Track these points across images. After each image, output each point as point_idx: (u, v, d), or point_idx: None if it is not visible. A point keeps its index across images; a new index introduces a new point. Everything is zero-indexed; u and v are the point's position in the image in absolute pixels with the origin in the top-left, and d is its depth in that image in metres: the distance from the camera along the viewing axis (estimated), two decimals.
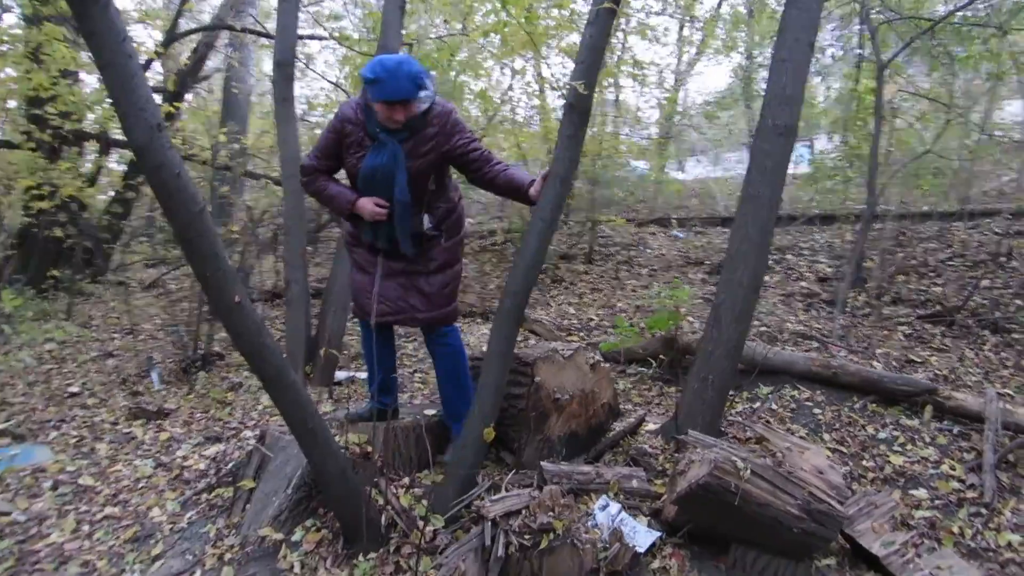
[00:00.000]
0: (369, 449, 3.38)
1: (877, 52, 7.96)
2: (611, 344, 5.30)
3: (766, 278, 7.69)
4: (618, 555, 2.89)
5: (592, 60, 3.05)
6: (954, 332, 6.06)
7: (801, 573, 3.08)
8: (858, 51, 9.66)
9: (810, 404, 4.74)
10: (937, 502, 3.83)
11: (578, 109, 3.05)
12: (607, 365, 3.95)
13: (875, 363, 5.46)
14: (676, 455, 3.96)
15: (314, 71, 10.94)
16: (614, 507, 3.29)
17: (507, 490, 3.16)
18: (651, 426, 4.34)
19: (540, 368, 3.63)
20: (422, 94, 3.07)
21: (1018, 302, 6.19)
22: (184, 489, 3.69)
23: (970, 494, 3.86)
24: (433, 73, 3.46)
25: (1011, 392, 5.05)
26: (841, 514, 2.95)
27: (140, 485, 3.84)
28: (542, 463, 3.46)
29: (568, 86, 2.99)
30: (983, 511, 3.74)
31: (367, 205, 3.27)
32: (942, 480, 3.97)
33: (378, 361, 3.54)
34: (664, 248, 9.82)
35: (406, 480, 3.44)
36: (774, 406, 4.75)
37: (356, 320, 3.83)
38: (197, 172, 8.56)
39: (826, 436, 4.41)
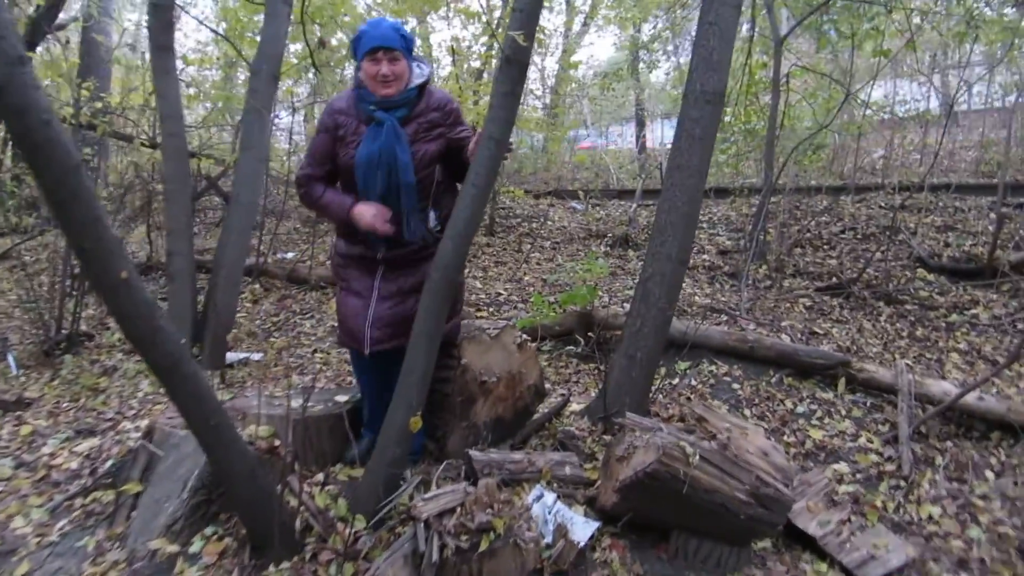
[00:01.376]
0: (277, 443, 2.99)
1: (774, 27, 8.06)
2: (525, 320, 5.06)
3: None
4: (563, 552, 2.67)
5: (532, 8, 2.74)
6: (851, 304, 6.23)
7: (742, 558, 2.97)
8: (748, 26, 9.79)
9: (728, 379, 4.70)
10: (859, 476, 3.85)
11: (516, 62, 2.73)
12: (533, 344, 3.70)
13: (783, 336, 5.51)
14: (604, 437, 3.79)
15: (197, 19, 9.99)
16: (549, 497, 3.06)
17: (439, 486, 2.87)
18: (574, 406, 4.15)
19: (466, 349, 3.34)
20: (415, 64, 2.92)
21: (908, 274, 6.43)
22: (53, 493, 3.17)
23: (889, 467, 3.90)
24: (426, 61, 3.14)
25: (909, 362, 5.21)
26: (789, 498, 2.85)
27: None
28: (470, 452, 3.18)
29: (507, 36, 2.67)
30: (902, 483, 3.79)
31: (366, 213, 2.97)
32: (861, 453, 4.01)
33: (377, 393, 3.16)
34: (565, 220, 9.69)
35: (320, 477, 3.08)
36: (693, 382, 4.67)
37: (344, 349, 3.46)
38: None
39: (747, 412, 4.38)
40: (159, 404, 4.14)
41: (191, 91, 8.89)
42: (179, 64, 9.28)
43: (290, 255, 7.61)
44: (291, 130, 6.91)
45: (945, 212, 7.40)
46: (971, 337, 5.55)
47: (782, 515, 2.87)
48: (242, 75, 11.19)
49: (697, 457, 2.76)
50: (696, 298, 6.33)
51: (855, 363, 4.56)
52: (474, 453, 3.18)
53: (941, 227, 7.16)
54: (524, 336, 3.63)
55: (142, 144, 7.00)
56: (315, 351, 5.19)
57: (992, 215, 7.44)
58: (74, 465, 3.43)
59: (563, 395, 4.12)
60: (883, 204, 7.93)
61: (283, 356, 5.08)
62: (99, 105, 7.24)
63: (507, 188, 9.10)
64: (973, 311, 5.91)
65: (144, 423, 3.86)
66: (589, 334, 5.24)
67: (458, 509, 2.62)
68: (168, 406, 3.32)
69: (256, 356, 4.96)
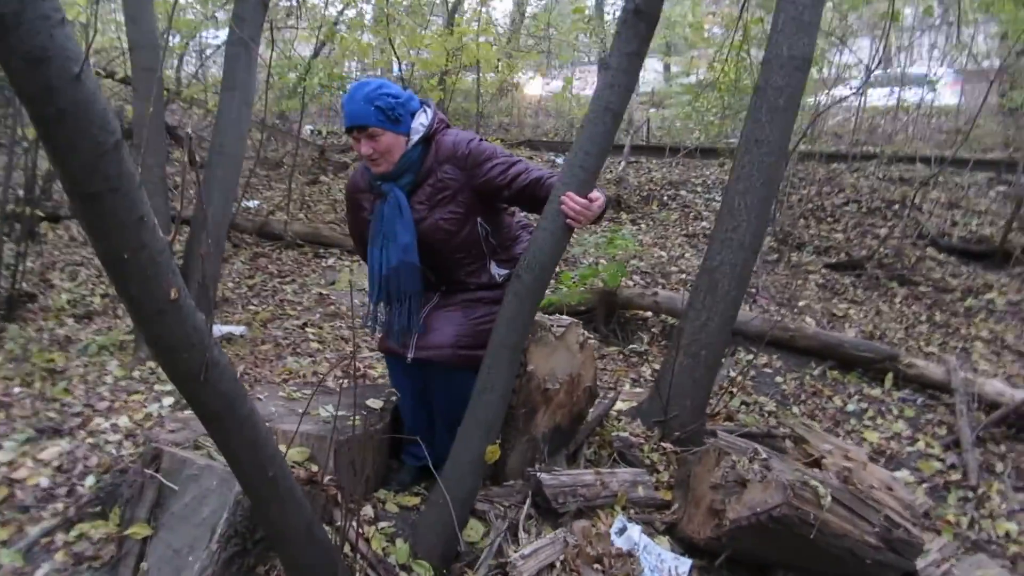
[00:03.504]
0: (315, 469, 2.46)
1: None
2: (551, 299, 4.57)
3: (663, 216, 7.28)
4: None
5: None
6: (864, 283, 5.98)
7: None
8: None
9: (769, 371, 4.35)
10: (925, 486, 3.58)
11: (646, 15, 2.18)
12: (593, 341, 3.23)
13: (808, 319, 5.21)
14: (663, 444, 3.38)
15: None
16: (634, 530, 2.63)
17: (527, 531, 2.39)
18: (619, 404, 3.71)
19: (532, 353, 2.83)
20: (414, 117, 2.46)
21: (918, 253, 6.21)
22: (23, 524, 2.54)
23: (954, 476, 3.64)
24: (430, 101, 2.60)
25: (934, 350, 4.99)
26: (920, 540, 2.50)
27: None
28: (539, 476, 2.71)
29: None
30: (971, 495, 3.54)
31: None
32: (923, 460, 3.73)
33: (412, 410, 2.62)
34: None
35: (368, 510, 2.55)
36: (731, 373, 4.30)
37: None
38: None
39: (795, 410, 4.04)
40: (135, 394, 3.50)
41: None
42: None
43: (253, 203, 6.84)
44: (270, 62, 6.04)
45: (946, 188, 7.21)
46: (991, 324, 5.37)
47: (912, 560, 2.53)
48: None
49: (829, 499, 2.37)
50: (695, 264, 5.94)
51: (903, 358, 4.27)
52: (544, 477, 2.70)
53: (947, 204, 6.97)
54: (586, 334, 3.15)
55: (106, 76, 6.07)
56: (305, 324, 4.58)
57: (992, 193, 7.28)
58: (44, 481, 2.79)
59: (609, 396, 3.67)
60: (882, 176, 7.69)
61: (268, 329, 4.46)
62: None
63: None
64: (988, 295, 5.73)
65: (122, 420, 3.23)
66: (596, 312, 4.80)
67: (557, 564, 2.17)
68: (169, 422, 2.70)
69: (239, 330, 4.32)
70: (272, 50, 6.36)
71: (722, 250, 3.43)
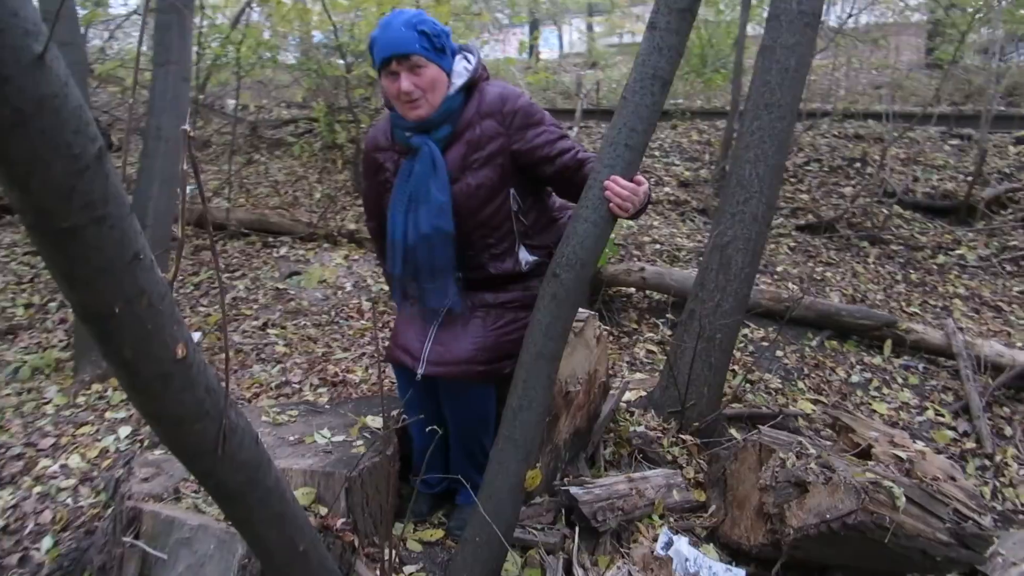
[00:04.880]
0: (324, 512, 2.10)
1: None
2: None
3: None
4: None
5: None
6: (836, 244, 5.87)
7: None
8: None
9: (767, 344, 4.16)
10: (943, 457, 3.45)
11: None
12: (605, 332, 2.95)
13: (790, 285, 5.06)
14: (681, 437, 3.15)
15: None
16: (681, 543, 2.39)
17: (580, 564, 2.10)
18: (627, 394, 3.46)
19: None
20: (457, 59, 2.12)
21: (884, 211, 6.14)
22: None
23: (969, 444, 3.53)
24: (471, 46, 2.23)
25: (917, 311, 4.92)
26: (990, 532, 2.32)
27: None
28: (571, 491, 2.43)
29: None
30: (987, 463, 3.43)
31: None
32: (935, 430, 3.61)
33: (423, 429, 2.21)
34: None
35: (390, 554, 2.21)
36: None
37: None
38: None
39: (801, 385, 3.87)
40: (84, 425, 3.04)
41: None
42: None
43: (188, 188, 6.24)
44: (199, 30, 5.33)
45: (903, 143, 7.17)
46: (965, 280, 5.34)
47: (983, 553, 2.35)
48: None
49: (904, 499, 2.15)
50: (679, 239, 5.74)
51: (902, 323, 4.15)
52: (577, 492, 2.42)
53: (906, 160, 6.92)
54: (602, 327, 2.86)
55: None
56: (265, 325, 4.14)
57: (947, 147, 7.29)
58: None
59: (615, 386, 3.40)
60: (838, 133, 7.61)
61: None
62: None
63: None
64: (959, 251, 5.70)
65: (73, 460, 2.79)
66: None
67: None
68: (137, 467, 2.28)
69: (196, 337, 3.85)
70: (202, 16, 5.74)
71: (733, 224, 3.18)
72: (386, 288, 4.68)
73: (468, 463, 2.35)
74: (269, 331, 4.07)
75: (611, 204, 1.93)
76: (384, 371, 3.60)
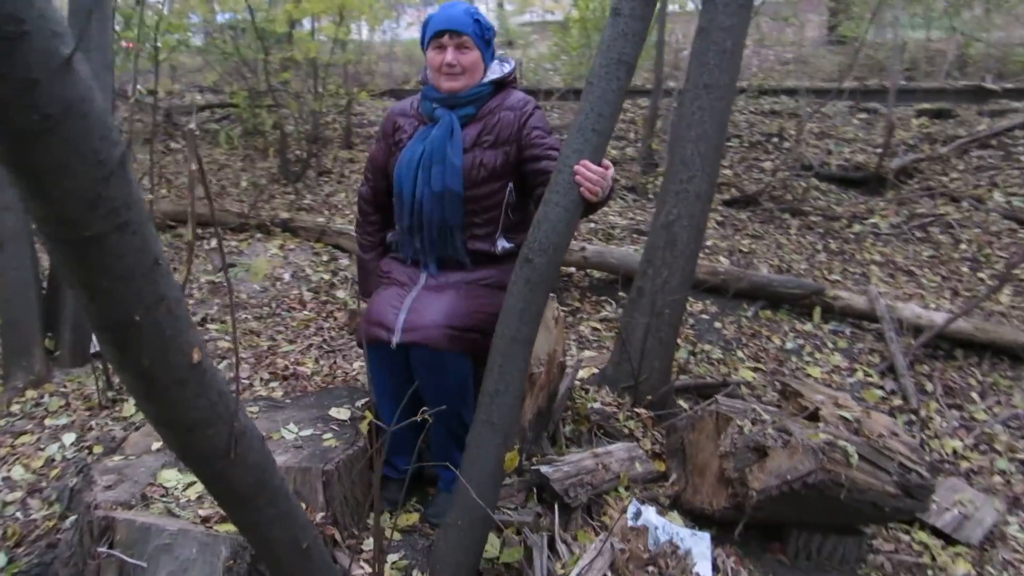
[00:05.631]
0: (303, 508, 2.08)
1: None
2: None
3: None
4: None
5: None
6: (760, 217, 6.11)
7: (861, 548, 2.63)
8: None
9: (707, 317, 4.32)
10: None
11: None
12: (562, 312, 3.00)
13: (721, 259, 5.24)
14: (636, 411, 3.24)
15: None
16: (649, 512, 2.47)
17: (564, 542, 2.16)
18: (580, 372, 3.53)
19: None
20: (496, 61, 2.40)
21: (803, 184, 6.42)
22: None
23: (896, 401, 3.78)
24: (512, 59, 2.52)
25: (838, 277, 5.19)
26: (931, 482, 2.51)
27: None
28: (541, 470, 2.48)
29: None
30: (914, 418, 3.68)
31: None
32: (866, 390, 3.85)
33: (393, 412, 2.18)
34: None
35: (379, 547, 2.21)
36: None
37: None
38: None
39: (740, 354, 4.04)
40: (23, 435, 2.89)
41: None
42: None
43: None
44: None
45: (815, 118, 7.49)
46: (880, 247, 5.65)
47: (926, 502, 2.54)
48: None
49: (857, 457, 2.30)
50: (611, 217, 5.85)
51: (829, 291, 4.37)
52: (547, 471, 2.48)
53: (819, 134, 7.24)
54: (559, 308, 2.91)
55: None
56: (204, 320, 4.02)
57: (856, 120, 7.66)
58: None
59: (574, 363, 3.46)
60: (754, 109, 7.88)
61: None
62: None
63: (348, 90, 7.81)
64: (872, 220, 6.03)
65: (16, 471, 2.66)
66: None
67: (608, 574, 1.97)
68: (98, 475, 2.19)
69: None
70: None
71: (678, 203, 3.28)
72: (326, 277, 4.61)
73: (450, 441, 2.36)
74: (209, 326, 3.95)
75: (581, 188, 1.97)
76: (336, 362, 3.57)
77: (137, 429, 2.77)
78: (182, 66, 8.54)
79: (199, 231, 5.14)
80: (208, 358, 1.14)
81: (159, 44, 5.40)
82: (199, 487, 2.11)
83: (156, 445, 2.45)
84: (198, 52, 7.93)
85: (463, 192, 2.28)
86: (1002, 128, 7.01)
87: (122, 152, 0.88)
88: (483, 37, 2.32)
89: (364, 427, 1.96)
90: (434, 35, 2.29)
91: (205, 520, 1.98)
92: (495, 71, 2.38)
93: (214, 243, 4.99)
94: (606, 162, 2.01)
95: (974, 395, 3.90)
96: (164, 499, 2.09)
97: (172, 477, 2.17)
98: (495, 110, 2.35)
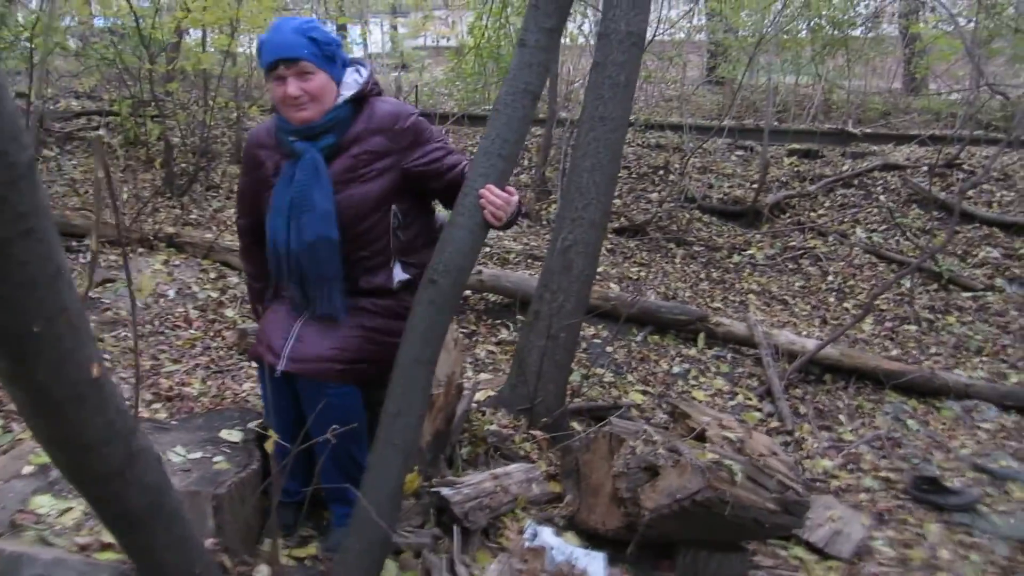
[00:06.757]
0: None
1: None
2: None
3: None
4: None
5: None
6: (647, 246, 6.37)
7: (744, 562, 2.77)
8: None
9: (599, 342, 4.45)
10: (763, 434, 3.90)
11: None
12: (461, 335, 3.02)
13: (611, 285, 5.42)
14: (531, 433, 3.29)
15: None
16: (545, 533, 2.52)
17: (464, 564, 2.15)
18: (476, 395, 3.55)
19: None
20: (348, 71, 2.16)
21: (687, 215, 6.75)
22: None
23: (773, 423, 4.01)
24: (363, 60, 2.29)
25: (720, 305, 5.47)
26: (807, 499, 2.68)
27: None
28: (442, 492, 2.48)
29: None
30: (788, 439, 3.92)
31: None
32: (746, 412, 4.06)
33: (284, 433, 2.09)
34: None
35: (264, 569, 2.13)
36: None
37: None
38: None
39: (630, 377, 4.18)
40: None
41: None
42: None
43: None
44: None
45: (697, 153, 7.90)
46: (756, 277, 6.01)
47: (802, 518, 2.70)
48: None
49: (741, 475, 2.43)
50: (506, 242, 5.94)
51: (711, 318, 4.61)
52: (447, 493, 2.48)
53: (702, 168, 7.64)
54: (458, 330, 2.93)
55: None
56: (100, 337, 3.77)
57: (734, 157, 8.13)
58: None
59: (471, 385, 3.47)
60: (641, 143, 8.22)
61: None
62: None
63: (239, 104, 7.59)
64: (749, 251, 6.40)
65: None
66: None
67: None
68: None
69: None
70: None
71: (574, 229, 3.38)
72: (214, 295, 4.44)
73: (338, 474, 2.30)
74: (113, 342, 3.71)
75: (485, 212, 2.00)
76: (224, 383, 3.44)
77: (5, 452, 2.56)
78: (55, 70, 8.04)
79: (73, 243, 4.83)
80: (108, 373, 1.09)
81: (34, 46, 5.06)
82: (76, 514, 1.98)
83: (27, 469, 2.27)
84: (75, 56, 7.51)
85: (338, 237, 2.11)
86: (863, 169, 7.63)
87: (30, 155, 0.84)
88: (324, 55, 2.06)
89: (270, 446, 1.89)
90: (269, 66, 2.04)
91: (84, 548, 1.85)
92: (349, 86, 2.14)
93: (88, 256, 4.70)
94: (510, 188, 2.06)
95: (842, 417, 4.20)
96: (37, 526, 1.95)
97: (46, 503, 2.02)
98: (361, 136, 2.13)
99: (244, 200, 2.37)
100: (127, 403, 1.16)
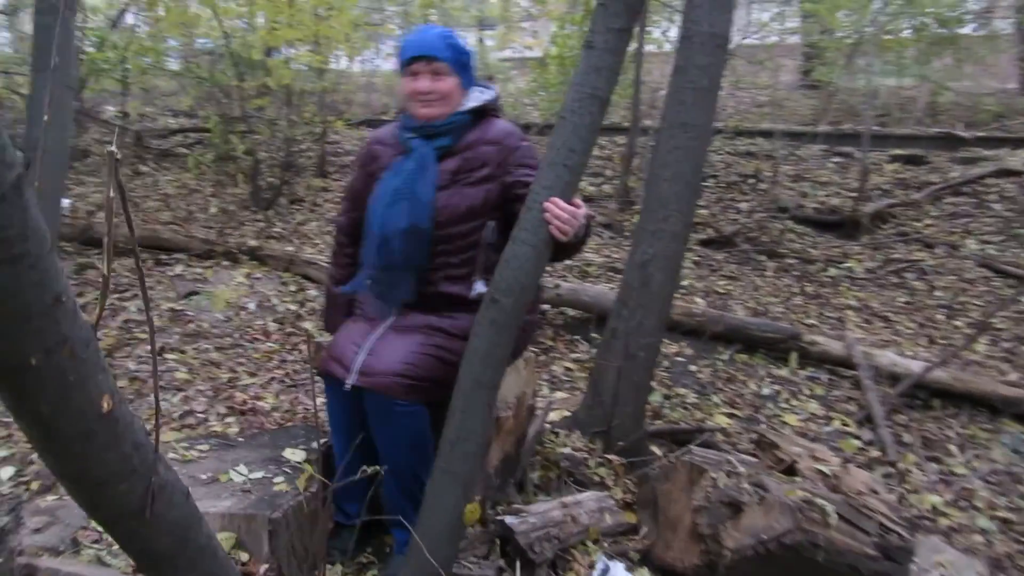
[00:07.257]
0: (246, 560, 1.93)
1: None
2: None
3: None
4: None
5: None
6: (736, 258, 6.08)
7: None
8: None
9: (682, 360, 4.23)
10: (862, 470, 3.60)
11: None
12: (532, 355, 2.89)
13: (697, 299, 5.18)
14: (607, 457, 3.12)
15: None
16: (617, 569, 2.36)
17: None
18: (550, 415, 3.41)
19: None
20: (475, 88, 2.27)
21: (779, 225, 6.42)
22: None
23: (873, 452, 3.69)
24: (494, 85, 2.50)
25: (814, 322, 5.14)
26: (912, 544, 2.41)
27: None
28: (505, 520, 2.35)
29: None
30: (892, 471, 3.60)
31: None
32: (842, 439, 3.75)
33: (346, 451, 2.04)
34: None
35: None
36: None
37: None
38: None
39: (715, 399, 3.95)
40: None
41: None
42: None
43: (66, 203, 5.77)
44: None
45: (790, 160, 7.53)
46: (855, 292, 5.63)
47: (906, 564, 2.43)
48: None
49: (835, 516, 2.20)
50: (587, 254, 5.78)
51: (805, 336, 4.31)
52: (512, 522, 2.35)
53: (795, 176, 7.27)
54: (530, 348, 2.81)
55: None
56: (162, 349, 3.85)
57: (830, 164, 7.71)
58: None
59: (544, 406, 3.34)
60: (730, 150, 7.91)
61: (117, 360, 3.70)
62: None
63: (324, 118, 7.71)
64: (847, 264, 6.01)
65: None
66: None
67: None
68: (27, 517, 2.03)
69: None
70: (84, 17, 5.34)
71: (654, 243, 3.20)
72: (293, 308, 4.47)
73: (404, 499, 2.21)
74: (167, 356, 3.78)
75: (551, 227, 1.88)
76: (297, 398, 3.42)
77: None
78: (156, 89, 8.42)
79: (163, 256, 4.98)
80: (124, 406, 1.01)
81: (128, 66, 5.28)
82: None
83: None
84: (174, 76, 7.84)
85: (431, 229, 2.16)
86: (975, 176, 7.08)
87: (17, 174, 0.77)
88: (459, 62, 2.20)
89: (302, 482, 1.82)
90: (406, 62, 2.19)
91: (136, 570, 1.82)
92: (475, 98, 2.25)
93: (178, 269, 4.83)
94: (578, 200, 1.92)
95: (952, 447, 3.83)
96: (96, 545, 1.93)
97: None
98: (475, 144, 2.22)
99: (351, 194, 2.45)
100: (148, 436, 1.08)
